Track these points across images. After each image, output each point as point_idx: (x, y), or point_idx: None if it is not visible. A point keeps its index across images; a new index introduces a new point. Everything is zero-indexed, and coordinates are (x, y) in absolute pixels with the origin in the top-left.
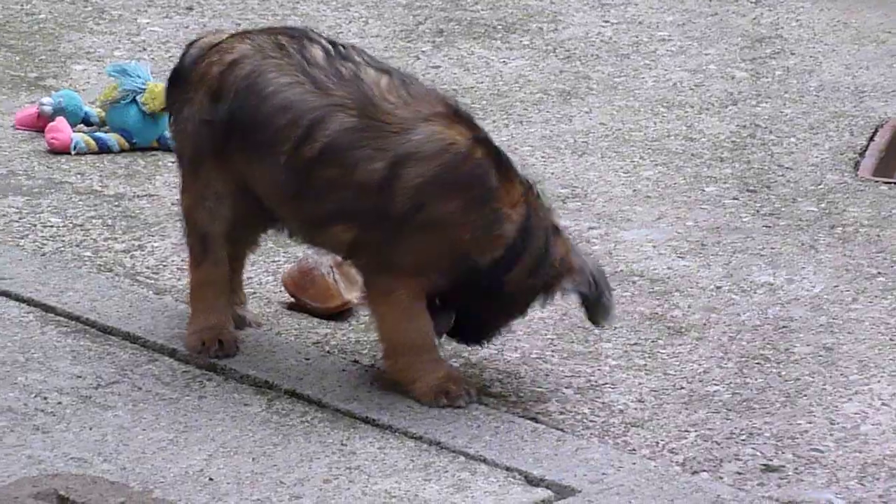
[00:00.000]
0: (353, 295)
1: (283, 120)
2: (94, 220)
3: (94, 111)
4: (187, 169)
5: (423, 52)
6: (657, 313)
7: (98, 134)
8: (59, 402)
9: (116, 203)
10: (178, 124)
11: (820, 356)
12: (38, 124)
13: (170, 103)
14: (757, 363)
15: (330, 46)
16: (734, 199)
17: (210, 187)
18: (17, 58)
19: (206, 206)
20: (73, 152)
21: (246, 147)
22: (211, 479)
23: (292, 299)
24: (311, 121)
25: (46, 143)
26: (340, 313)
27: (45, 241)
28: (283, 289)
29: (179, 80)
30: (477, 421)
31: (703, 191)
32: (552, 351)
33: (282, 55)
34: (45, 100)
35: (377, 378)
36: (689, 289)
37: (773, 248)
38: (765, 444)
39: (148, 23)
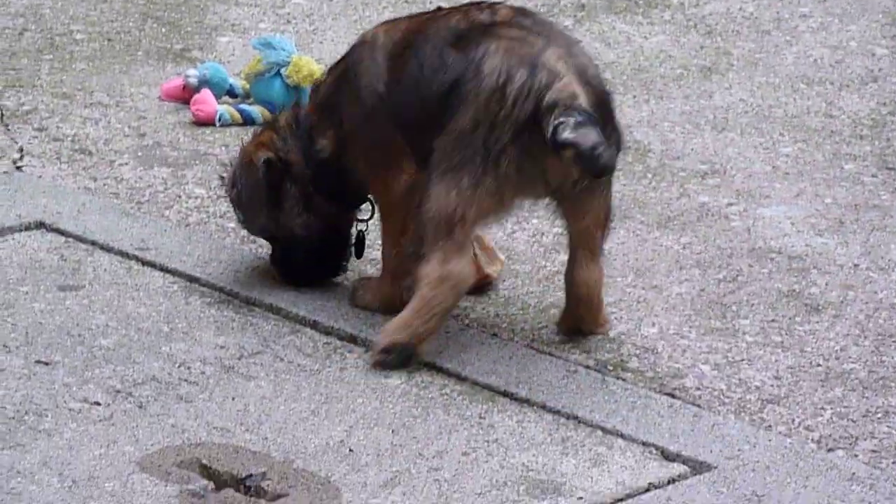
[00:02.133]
0: (492, 269)
1: None
2: None
3: (239, 83)
4: None
5: (564, 26)
6: (794, 290)
7: (242, 106)
8: (203, 372)
9: None
10: None
11: None
12: (184, 96)
13: None
14: (894, 341)
15: None
16: (873, 176)
17: None
18: (164, 29)
19: None
20: (217, 124)
21: None
22: (351, 451)
23: None
24: None
25: (192, 115)
26: (480, 287)
27: (189, 212)
28: None
29: None
30: (614, 396)
31: (842, 168)
32: (689, 327)
33: None
34: (191, 72)
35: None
36: (826, 266)
37: None
38: None
39: None
